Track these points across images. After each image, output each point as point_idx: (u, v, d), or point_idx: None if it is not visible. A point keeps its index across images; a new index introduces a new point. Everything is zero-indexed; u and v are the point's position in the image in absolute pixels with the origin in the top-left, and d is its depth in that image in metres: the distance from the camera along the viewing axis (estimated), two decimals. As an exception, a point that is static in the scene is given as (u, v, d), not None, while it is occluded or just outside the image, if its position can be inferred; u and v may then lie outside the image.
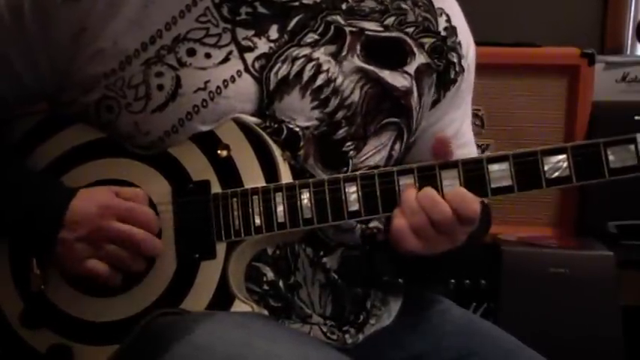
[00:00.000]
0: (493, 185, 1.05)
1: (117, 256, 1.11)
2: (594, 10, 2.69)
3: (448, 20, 1.27)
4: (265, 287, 1.17)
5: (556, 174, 1.03)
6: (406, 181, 1.07)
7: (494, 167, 1.05)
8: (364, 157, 1.20)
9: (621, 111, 2.22)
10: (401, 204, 1.06)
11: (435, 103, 1.27)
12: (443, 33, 1.26)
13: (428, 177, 1.06)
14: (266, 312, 1.13)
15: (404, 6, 1.24)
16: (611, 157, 1.02)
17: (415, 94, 1.22)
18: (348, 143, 1.18)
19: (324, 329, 1.21)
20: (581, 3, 2.70)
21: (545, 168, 1.04)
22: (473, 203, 1.04)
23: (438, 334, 1.27)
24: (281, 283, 1.18)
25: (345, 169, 1.18)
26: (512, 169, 1.04)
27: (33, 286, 1.15)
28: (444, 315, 1.31)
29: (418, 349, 1.26)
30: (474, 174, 1.05)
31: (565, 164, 1.03)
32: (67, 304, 1.15)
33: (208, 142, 1.13)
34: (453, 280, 2.05)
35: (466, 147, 1.34)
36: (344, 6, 1.20)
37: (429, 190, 1.05)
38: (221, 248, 1.11)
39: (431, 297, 1.35)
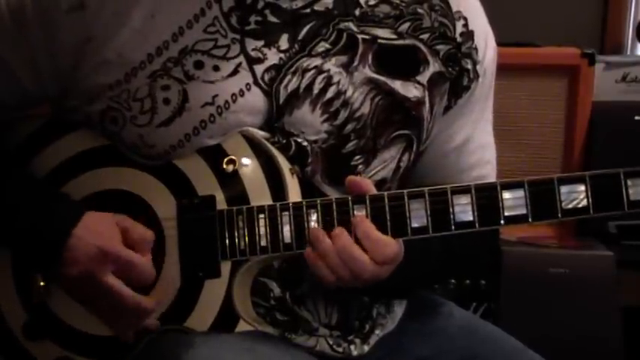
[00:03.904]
0: (507, 213, 1.02)
1: (101, 311, 1.10)
2: (594, 10, 2.68)
3: (465, 25, 1.22)
4: (272, 302, 1.15)
5: (573, 204, 1.00)
6: (417, 205, 1.03)
7: (507, 195, 1.02)
8: (372, 172, 1.16)
9: (621, 111, 2.22)
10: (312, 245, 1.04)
11: (445, 110, 1.23)
12: (459, 39, 1.21)
13: (439, 202, 1.03)
14: (272, 329, 1.11)
15: (420, 10, 1.19)
16: (631, 190, 0.99)
17: (427, 104, 1.18)
18: (357, 157, 1.15)
19: (330, 342, 1.19)
20: (581, 3, 2.69)
21: (562, 197, 1.00)
22: (386, 247, 1.03)
23: (442, 338, 1.27)
24: (287, 296, 1.16)
25: None
26: (527, 197, 1.01)
27: (35, 297, 1.13)
28: (447, 318, 1.31)
29: (422, 353, 1.25)
30: (487, 201, 1.02)
31: (582, 195, 1.00)
32: (71, 316, 1.13)
33: (215, 156, 1.10)
34: (453, 280, 2.05)
35: (477, 152, 1.28)
36: (357, 12, 1.15)
37: (343, 239, 1.03)
38: (226, 267, 1.08)
39: (433, 300, 1.35)
